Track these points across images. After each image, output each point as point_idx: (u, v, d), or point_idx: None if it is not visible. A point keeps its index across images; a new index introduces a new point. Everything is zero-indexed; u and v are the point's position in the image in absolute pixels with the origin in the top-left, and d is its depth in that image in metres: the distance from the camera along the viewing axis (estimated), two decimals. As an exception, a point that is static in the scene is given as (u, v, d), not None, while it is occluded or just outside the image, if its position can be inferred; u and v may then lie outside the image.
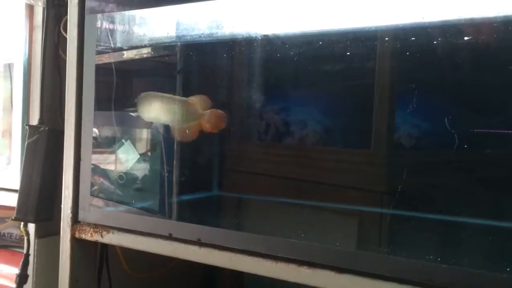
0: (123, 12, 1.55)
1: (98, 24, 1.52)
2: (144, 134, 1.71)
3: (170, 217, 1.47)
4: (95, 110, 1.53)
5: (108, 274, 1.68)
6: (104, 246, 1.63)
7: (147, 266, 1.83)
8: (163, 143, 1.61)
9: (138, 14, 1.60)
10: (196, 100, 1.51)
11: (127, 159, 1.62)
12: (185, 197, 1.54)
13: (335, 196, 1.40)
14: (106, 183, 1.67)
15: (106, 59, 1.64)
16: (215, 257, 1.22)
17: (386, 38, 1.32)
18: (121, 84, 1.64)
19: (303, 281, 1.11)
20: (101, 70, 1.57)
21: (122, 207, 1.53)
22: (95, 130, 1.60)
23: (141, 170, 1.67)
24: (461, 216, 1.23)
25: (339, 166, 1.45)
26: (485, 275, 1.01)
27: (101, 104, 1.58)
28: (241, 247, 1.19)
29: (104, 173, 1.70)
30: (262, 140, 1.69)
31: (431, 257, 1.10)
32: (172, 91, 1.59)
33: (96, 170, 1.57)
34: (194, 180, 1.59)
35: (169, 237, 1.29)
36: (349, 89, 1.51)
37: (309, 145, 1.61)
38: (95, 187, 1.62)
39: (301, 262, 1.10)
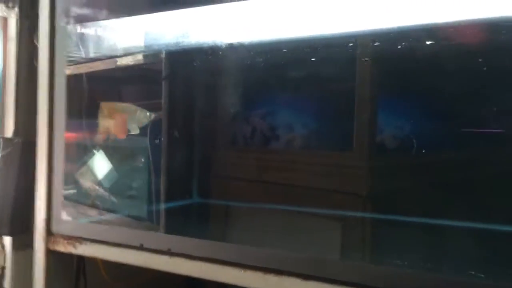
0: (94, 22, 1.55)
1: (70, 34, 1.52)
2: (117, 142, 1.70)
3: (144, 227, 1.47)
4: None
5: (85, 286, 1.66)
6: (81, 256, 1.62)
7: (128, 274, 1.81)
8: (138, 151, 1.61)
9: (110, 24, 1.61)
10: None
11: (99, 169, 1.62)
12: (161, 206, 1.54)
13: (316, 200, 1.41)
14: (84, 192, 1.67)
15: (78, 69, 1.64)
16: (185, 266, 1.22)
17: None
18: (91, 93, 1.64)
19: (270, 288, 1.11)
20: (74, 80, 1.57)
21: (96, 218, 1.53)
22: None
23: (115, 179, 1.67)
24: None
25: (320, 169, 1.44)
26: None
27: (73, 113, 1.58)
28: (210, 256, 1.18)
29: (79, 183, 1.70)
30: (239, 145, 1.68)
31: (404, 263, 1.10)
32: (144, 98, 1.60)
33: (70, 180, 1.57)
34: (171, 188, 1.59)
35: (140, 248, 1.29)
36: (330, 92, 1.51)
37: (289, 148, 1.60)
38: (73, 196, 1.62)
39: (268, 270, 1.09)
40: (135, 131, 1.42)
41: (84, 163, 1.67)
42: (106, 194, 1.62)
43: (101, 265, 1.67)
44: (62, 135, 1.44)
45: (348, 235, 1.34)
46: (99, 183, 1.63)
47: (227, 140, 1.69)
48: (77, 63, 1.57)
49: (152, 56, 1.65)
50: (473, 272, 1.00)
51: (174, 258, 1.23)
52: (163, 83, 1.60)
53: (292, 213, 1.42)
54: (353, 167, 1.34)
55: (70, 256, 1.54)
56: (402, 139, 1.38)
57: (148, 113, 1.40)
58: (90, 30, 1.60)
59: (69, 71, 1.50)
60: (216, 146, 1.68)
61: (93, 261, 1.66)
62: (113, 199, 1.63)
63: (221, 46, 1.46)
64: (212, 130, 1.69)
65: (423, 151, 1.29)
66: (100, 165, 1.69)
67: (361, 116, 1.31)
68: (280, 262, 1.09)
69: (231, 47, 1.46)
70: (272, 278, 1.08)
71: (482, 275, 0.98)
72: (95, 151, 1.63)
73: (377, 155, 1.34)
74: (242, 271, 1.13)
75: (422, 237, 1.22)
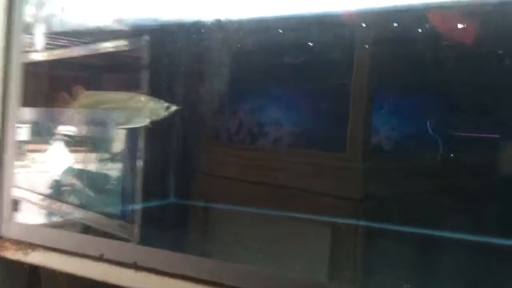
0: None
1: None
2: (84, 133, 1.50)
3: (106, 233, 1.27)
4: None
5: (39, 297, 1.45)
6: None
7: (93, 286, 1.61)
8: (104, 143, 1.41)
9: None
10: None
11: (62, 164, 1.41)
12: (129, 208, 1.34)
13: (305, 204, 1.25)
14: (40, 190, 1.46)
15: (39, 56, 1.44)
16: (153, 284, 1.02)
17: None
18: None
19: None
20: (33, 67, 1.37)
21: (52, 220, 1.32)
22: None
23: (81, 175, 1.47)
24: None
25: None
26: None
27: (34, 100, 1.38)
28: (185, 273, 0.98)
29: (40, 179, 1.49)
30: (222, 141, 1.51)
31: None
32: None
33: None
34: (143, 186, 1.39)
35: (100, 258, 1.08)
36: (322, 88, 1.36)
37: (275, 147, 1.44)
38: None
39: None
40: (140, 123, 1.21)
41: (44, 157, 1.46)
42: (77, 189, 1.42)
43: (60, 275, 1.46)
44: (14, 128, 1.23)
45: (339, 243, 1.19)
46: (62, 179, 1.42)
47: (209, 136, 1.51)
48: (38, 50, 1.37)
49: (130, 42, 1.46)
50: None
51: (140, 273, 1.03)
52: (141, 72, 1.41)
53: (279, 218, 1.26)
54: (346, 169, 1.21)
55: (21, 264, 1.33)
56: (399, 141, 1.27)
57: (165, 105, 1.20)
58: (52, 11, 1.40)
59: (27, 58, 1.30)
60: (197, 141, 1.50)
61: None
62: (77, 197, 1.43)
63: (206, 26, 1.28)
64: (193, 123, 1.50)
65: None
66: (63, 159, 1.48)
67: (356, 114, 1.20)
68: (260, 281, 0.90)
69: (217, 28, 1.29)
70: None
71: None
72: (59, 143, 1.43)
73: (372, 157, 1.22)
74: (220, 292, 0.93)
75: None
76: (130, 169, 1.43)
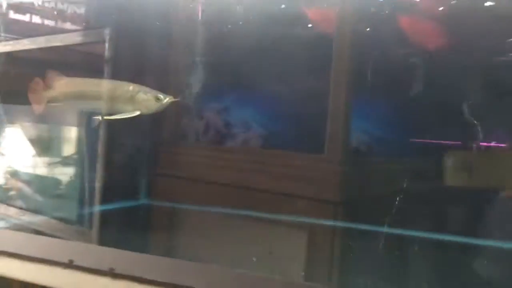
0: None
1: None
2: (47, 131, 1.36)
3: (75, 236, 1.13)
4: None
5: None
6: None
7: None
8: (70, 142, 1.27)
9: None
10: None
11: (19, 160, 1.26)
12: (101, 208, 1.20)
13: (280, 206, 1.17)
14: None
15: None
16: (133, 293, 0.89)
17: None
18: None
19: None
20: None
21: (12, 222, 1.16)
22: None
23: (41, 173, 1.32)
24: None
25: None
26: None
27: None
28: (169, 280, 0.87)
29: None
30: (199, 142, 1.41)
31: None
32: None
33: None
34: (112, 186, 1.26)
35: (70, 265, 0.94)
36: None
37: (252, 148, 1.36)
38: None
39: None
40: (128, 115, 1.04)
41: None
42: (27, 191, 1.26)
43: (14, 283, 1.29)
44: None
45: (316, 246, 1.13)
46: (17, 177, 1.27)
47: (182, 135, 1.40)
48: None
49: (93, 34, 1.34)
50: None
51: (118, 281, 0.90)
52: (104, 66, 1.29)
53: (255, 220, 1.17)
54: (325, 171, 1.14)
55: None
56: (378, 142, 1.24)
57: (157, 95, 1.01)
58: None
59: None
60: (170, 141, 1.39)
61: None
62: (38, 197, 1.27)
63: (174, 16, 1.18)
64: (163, 121, 1.39)
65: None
66: (21, 156, 1.33)
67: (335, 114, 1.15)
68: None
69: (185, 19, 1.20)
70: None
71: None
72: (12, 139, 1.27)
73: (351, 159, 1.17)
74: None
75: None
76: (96, 169, 1.29)
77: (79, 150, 1.35)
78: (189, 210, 1.26)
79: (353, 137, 1.20)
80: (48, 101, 1.08)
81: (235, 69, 1.32)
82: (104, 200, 1.24)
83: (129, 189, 1.30)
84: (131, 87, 1.00)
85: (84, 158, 1.34)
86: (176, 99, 1.03)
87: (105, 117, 1.00)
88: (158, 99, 0.98)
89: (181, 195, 1.27)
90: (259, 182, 1.21)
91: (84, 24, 1.36)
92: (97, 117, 1.01)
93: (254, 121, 1.32)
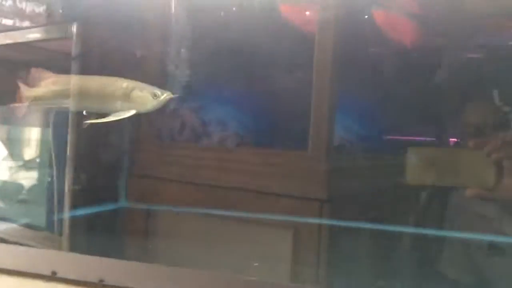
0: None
1: None
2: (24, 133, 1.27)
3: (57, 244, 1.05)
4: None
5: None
6: None
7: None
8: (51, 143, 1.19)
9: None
10: None
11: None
12: (81, 212, 1.12)
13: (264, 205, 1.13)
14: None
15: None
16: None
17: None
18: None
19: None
20: None
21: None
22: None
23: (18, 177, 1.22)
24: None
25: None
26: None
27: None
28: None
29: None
30: (176, 141, 1.35)
31: None
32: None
33: None
34: (87, 190, 1.18)
35: (53, 277, 0.87)
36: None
37: (231, 146, 1.32)
38: None
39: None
40: (123, 115, 0.94)
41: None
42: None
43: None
44: None
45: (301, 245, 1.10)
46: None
47: (161, 134, 1.35)
48: None
49: (58, 30, 1.26)
50: None
51: (109, 293, 0.84)
52: (72, 63, 1.21)
53: (241, 221, 1.14)
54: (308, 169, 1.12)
55: None
56: (363, 138, 1.27)
57: (158, 92, 0.90)
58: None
59: None
60: (149, 140, 1.33)
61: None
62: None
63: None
64: (138, 118, 1.32)
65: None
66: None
67: (318, 109, 1.11)
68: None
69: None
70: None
71: None
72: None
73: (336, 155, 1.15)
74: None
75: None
76: (66, 171, 1.21)
77: (46, 152, 1.27)
78: (168, 212, 1.21)
79: (337, 134, 1.19)
80: (32, 101, 0.99)
81: (213, 65, 1.28)
82: (75, 204, 1.17)
83: (104, 191, 1.22)
84: (125, 83, 0.92)
85: (52, 160, 1.25)
86: (175, 95, 0.95)
87: (96, 120, 0.92)
88: (155, 95, 0.91)
89: (160, 196, 1.22)
90: (241, 181, 1.18)
91: (48, 18, 1.26)
92: (87, 122, 0.92)
93: (234, 119, 1.28)
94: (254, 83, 1.28)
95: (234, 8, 1.19)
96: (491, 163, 0.83)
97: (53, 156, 1.26)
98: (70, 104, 0.98)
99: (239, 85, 1.28)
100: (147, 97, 0.90)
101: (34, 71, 0.97)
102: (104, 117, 0.90)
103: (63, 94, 0.97)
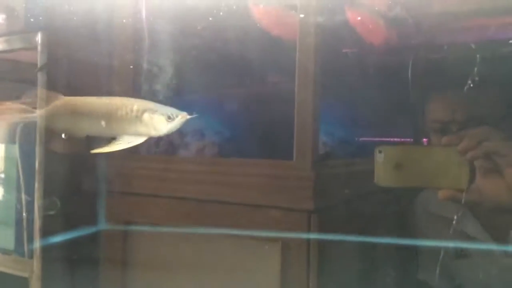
0: None
1: None
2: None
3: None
4: None
5: None
6: None
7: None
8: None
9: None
10: None
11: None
12: (55, 239, 1.05)
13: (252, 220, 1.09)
14: None
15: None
16: None
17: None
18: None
19: None
20: None
21: None
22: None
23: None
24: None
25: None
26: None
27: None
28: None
29: None
30: (152, 154, 1.29)
31: None
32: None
33: None
34: (61, 213, 1.11)
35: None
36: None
37: (212, 157, 1.27)
38: None
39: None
40: (133, 142, 0.83)
41: None
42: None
43: None
44: None
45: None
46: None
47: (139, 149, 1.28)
48: None
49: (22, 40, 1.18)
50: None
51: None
52: (38, 75, 1.14)
53: (227, 237, 1.09)
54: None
55: None
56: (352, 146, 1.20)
57: (173, 114, 0.79)
58: None
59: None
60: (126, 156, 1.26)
61: None
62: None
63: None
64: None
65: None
66: None
67: (303, 117, 1.06)
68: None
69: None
70: None
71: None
72: None
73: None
74: None
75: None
76: (34, 193, 1.14)
77: (12, 170, 1.19)
78: (149, 231, 1.15)
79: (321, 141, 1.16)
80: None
81: (189, 73, 1.23)
82: (46, 230, 1.09)
83: (79, 214, 1.15)
84: (135, 105, 0.81)
85: (20, 180, 1.18)
86: (191, 116, 0.84)
87: (103, 149, 0.82)
88: (169, 118, 0.81)
89: (140, 215, 1.16)
90: (224, 194, 1.12)
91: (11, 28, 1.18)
92: (93, 151, 0.82)
93: (214, 129, 1.24)
94: (233, 91, 1.25)
95: (210, 18, 1.14)
96: (466, 161, 0.79)
97: (20, 174, 1.18)
98: (77, 130, 0.88)
99: (218, 93, 1.23)
100: (160, 119, 0.80)
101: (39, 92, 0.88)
102: (111, 142, 0.82)
103: (73, 117, 0.87)
